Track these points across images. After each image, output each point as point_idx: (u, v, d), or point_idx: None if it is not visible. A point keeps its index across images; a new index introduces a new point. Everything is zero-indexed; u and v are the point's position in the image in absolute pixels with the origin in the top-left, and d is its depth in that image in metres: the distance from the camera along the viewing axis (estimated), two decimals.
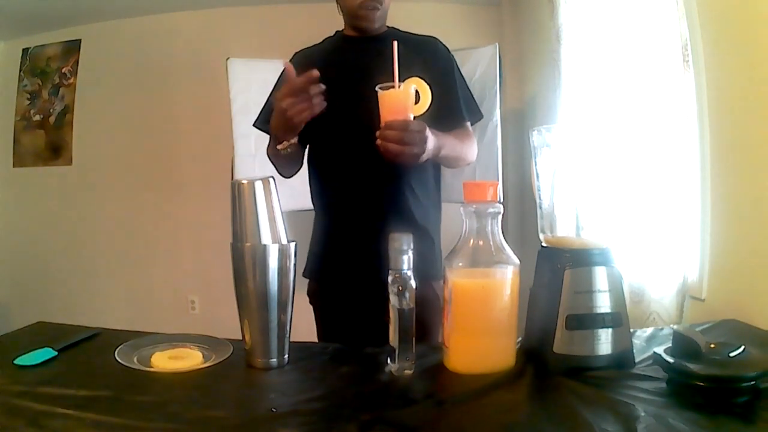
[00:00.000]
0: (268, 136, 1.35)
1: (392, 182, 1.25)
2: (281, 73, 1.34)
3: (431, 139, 1.09)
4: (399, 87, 1.04)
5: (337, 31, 1.39)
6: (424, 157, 1.10)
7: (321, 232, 1.35)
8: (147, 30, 3.25)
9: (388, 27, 1.36)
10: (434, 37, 1.37)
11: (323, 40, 1.41)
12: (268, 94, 1.38)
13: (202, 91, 3.14)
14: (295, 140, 1.17)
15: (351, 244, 1.27)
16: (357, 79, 1.24)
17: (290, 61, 1.36)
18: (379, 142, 1.04)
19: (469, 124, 1.36)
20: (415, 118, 1.07)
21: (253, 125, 1.39)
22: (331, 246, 1.33)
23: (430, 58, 1.30)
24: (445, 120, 1.30)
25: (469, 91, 1.39)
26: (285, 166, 1.32)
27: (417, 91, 1.06)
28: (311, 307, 1.37)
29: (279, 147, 1.17)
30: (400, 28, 1.37)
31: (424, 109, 1.08)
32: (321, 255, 1.35)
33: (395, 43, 1.06)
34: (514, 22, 2.98)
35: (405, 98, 1.05)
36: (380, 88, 1.05)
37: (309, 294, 1.36)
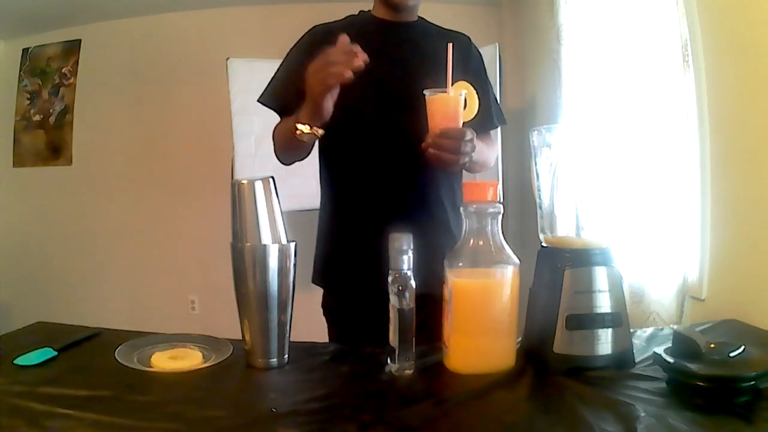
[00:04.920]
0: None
1: (422, 181, 1.16)
2: (293, 46, 1.24)
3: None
4: (450, 91, 0.98)
5: (361, 11, 1.27)
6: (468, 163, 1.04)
7: (336, 236, 1.22)
8: (147, 30, 3.25)
9: (419, 17, 1.26)
10: (466, 35, 1.27)
11: (345, 18, 1.27)
12: (274, 72, 1.24)
13: (202, 91, 3.14)
14: (320, 131, 1.03)
15: (379, 254, 0.99)
16: (389, 66, 1.14)
17: (304, 36, 1.24)
18: (432, 150, 0.98)
19: (492, 131, 1.29)
20: (463, 124, 1.01)
21: (258, 101, 1.24)
22: (353, 254, 1.19)
23: (464, 56, 1.20)
24: (477, 124, 1.16)
25: (495, 95, 1.31)
26: (292, 151, 1.16)
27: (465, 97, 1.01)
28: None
29: (299, 128, 1.02)
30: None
31: (472, 116, 1.03)
32: (339, 264, 1.22)
33: (450, 46, 0.98)
34: (514, 22, 2.98)
35: (457, 104, 1.00)
36: (429, 92, 0.99)
37: (324, 306, 1.26)
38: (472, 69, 1.23)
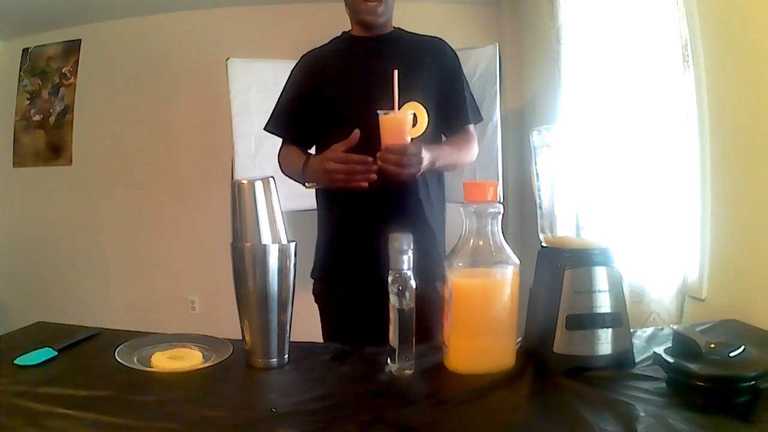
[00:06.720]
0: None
1: (396, 181, 1.24)
2: (290, 74, 1.38)
3: (427, 157, 1.16)
4: (397, 112, 1.11)
5: (344, 32, 1.39)
6: (419, 173, 1.17)
7: (326, 231, 1.35)
8: (147, 30, 3.25)
9: (394, 27, 1.37)
10: (441, 39, 1.38)
11: (330, 41, 1.41)
12: (276, 95, 1.38)
13: (202, 91, 3.14)
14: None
15: (357, 244, 1.27)
16: (365, 78, 1.27)
17: (298, 63, 1.39)
18: (379, 163, 1.11)
19: (471, 126, 1.38)
20: (412, 139, 1.13)
21: (265, 129, 1.40)
22: (337, 246, 1.32)
23: (438, 59, 1.33)
24: (451, 122, 1.34)
25: (471, 93, 1.40)
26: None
27: (415, 115, 1.12)
28: (314, 307, 1.35)
29: (308, 185, 1.26)
30: (406, 29, 1.38)
31: (421, 132, 1.14)
32: (327, 255, 1.34)
33: (396, 72, 1.10)
34: (514, 22, 2.98)
35: (403, 123, 1.11)
36: (382, 113, 1.11)
37: (314, 293, 1.36)
38: (448, 69, 1.34)
